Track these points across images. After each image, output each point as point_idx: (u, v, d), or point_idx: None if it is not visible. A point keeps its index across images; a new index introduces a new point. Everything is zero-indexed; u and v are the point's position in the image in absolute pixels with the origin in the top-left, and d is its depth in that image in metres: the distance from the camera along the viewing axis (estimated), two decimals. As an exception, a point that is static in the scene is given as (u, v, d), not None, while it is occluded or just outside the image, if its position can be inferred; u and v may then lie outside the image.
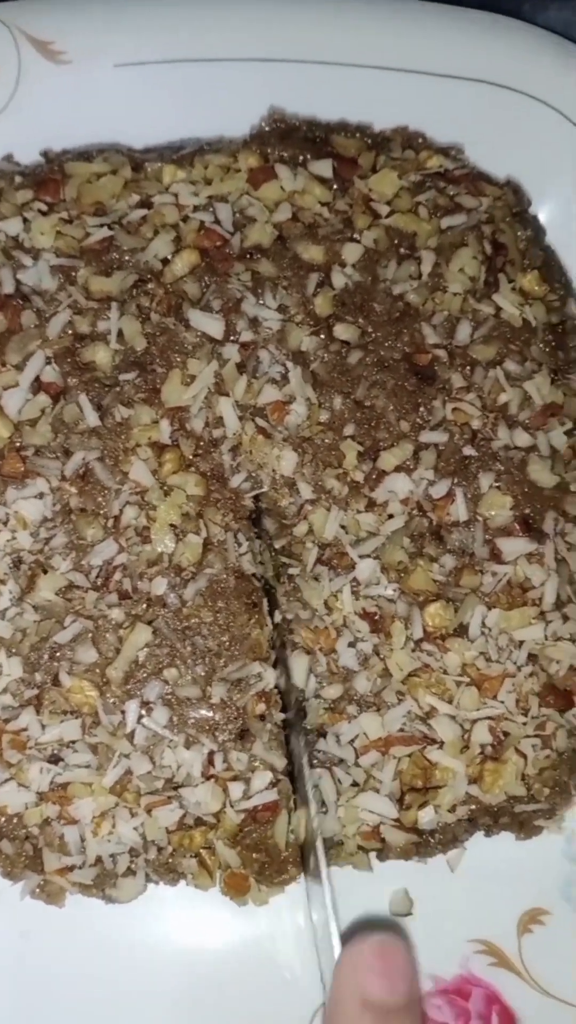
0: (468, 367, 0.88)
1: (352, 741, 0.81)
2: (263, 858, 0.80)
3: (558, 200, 0.99)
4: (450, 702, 0.82)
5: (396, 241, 0.90)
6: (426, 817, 0.81)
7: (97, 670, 0.79)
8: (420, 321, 0.88)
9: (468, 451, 0.87)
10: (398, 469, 0.85)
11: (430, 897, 0.85)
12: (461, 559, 0.85)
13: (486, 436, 0.87)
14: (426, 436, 0.86)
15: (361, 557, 0.83)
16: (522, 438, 0.88)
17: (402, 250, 0.90)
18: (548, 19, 1.10)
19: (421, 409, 0.87)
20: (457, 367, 0.88)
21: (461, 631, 0.83)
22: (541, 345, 0.90)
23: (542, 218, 0.98)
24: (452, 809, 0.82)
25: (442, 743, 0.81)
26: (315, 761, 0.82)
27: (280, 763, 0.80)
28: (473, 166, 0.98)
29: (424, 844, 0.82)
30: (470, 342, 0.88)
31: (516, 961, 0.84)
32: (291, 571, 0.84)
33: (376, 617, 0.83)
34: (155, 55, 0.99)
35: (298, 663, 0.82)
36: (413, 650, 0.82)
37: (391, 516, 0.85)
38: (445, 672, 0.82)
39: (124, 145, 0.97)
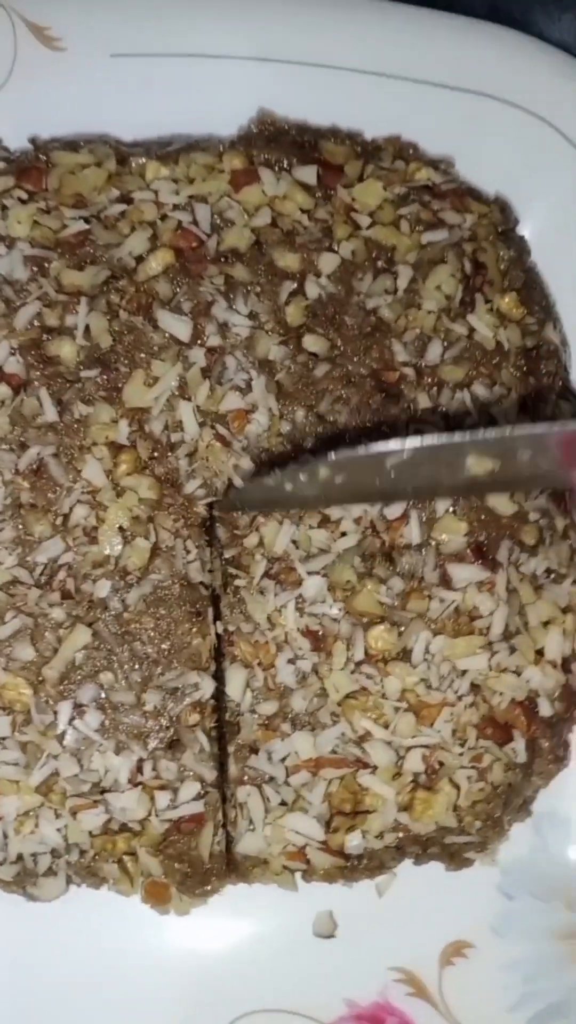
0: (435, 388, 0.87)
1: (284, 760, 0.81)
2: (185, 868, 0.79)
3: (546, 220, 0.97)
4: (386, 727, 0.81)
5: (374, 254, 0.89)
6: (353, 842, 0.80)
7: (33, 668, 0.79)
8: (391, 337, 0.87)
9: (427, 472, 0.85)
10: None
11: (355, 920, 0.85)
12: (410, 583, 0.84)
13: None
14: (386, 455, 0.85)
15: (309, 574, 0.82)
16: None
17: (379, 263, 0.89)
18: (561, 30, 1.08)
19: (383, 428, 0.85)
20: (424, 387, 0.87)
21: (404, 656, 0.82)
22: (512, 369, 0.89)
23: (528, 237, 0.96)
24: (380, 836, 0.81)
25: (375, 768, 0.80)
26: (245, 778, 0.81)
27: (209, 775, 0.80)
28: (462, 181, 0.96)
29: (350, 868, 0.81)
30: (440, 362, 0.87)
31: (435, 992, 0.84)
32: (237, 583, 0.83)
33: (319, 635, 0.82)
34: (152, 47, 0.98)
35: (235, 676, 0.82)
36: (352, 672, 0.81)
37: (344, 534, 0.84)
38: (384, 696, 0.82)
39: (113, 137, 0.96)
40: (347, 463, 0.76)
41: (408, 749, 0.82)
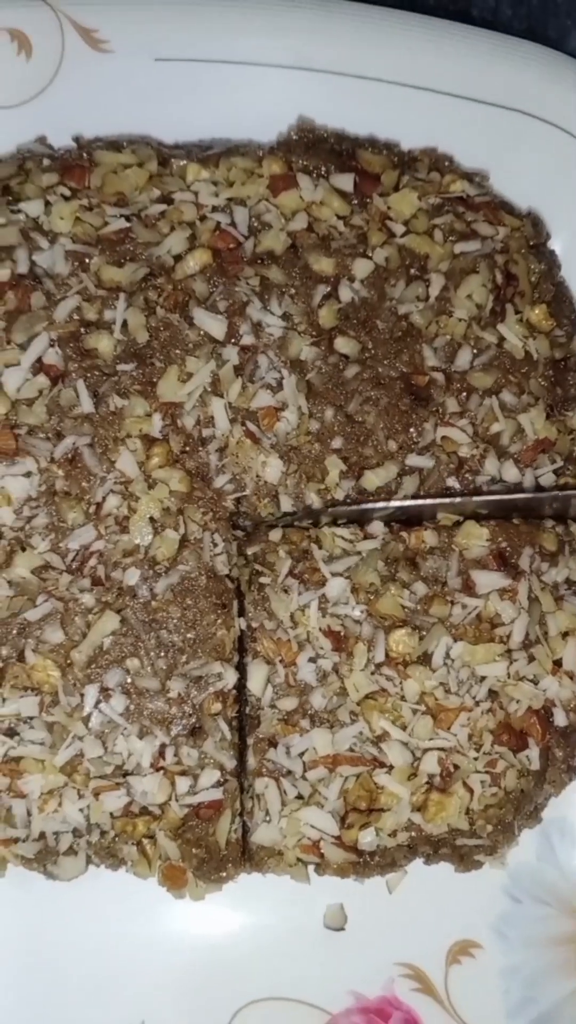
0: (464, 393, 0.88)
1: (302, 755, 0.82)
2: (202, 854, 0.81)
3: (577, 235, 0.99)
4: (403, 728, 0.82)
5: (407, 261, 0.91)
6: (366, 839, 0.82)
7: (62, 651, 0.81)
8: (421, 343, 0.89)
9: (451, 482, 0.87)
10: (378, 492, 0.86)
11: (365, 914, 0.86)
12: (433, 587, 0.85)
13: (473, 468, 0.88)
14: (412, 460, 0.87)
15: (333, 575, 0.84)
16: (510, 472, 0.88)
17: (412, 271, 0.91)
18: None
19: (411, 430, 0.87)
20: (453, 392, 0.88)
21: (424, 660, 0.83)
22: (540, 379, 0.90)
23: (559, 252, 0.97)
24: (393, 834, 0.83)
25: (391, 768, 0.82)
26: (263, 770, 0.82)
27: (229, 763, 0.81)
28: (496, 194, 0.98)
29: (363, 865, 0.82)
30: (469, 368, 0.89)
31: (440, 989, 0.85)
32: (262, 580, 0.85)
33: (340, 636, 0.83)
34: (195, 53, 1.00)
35: (257, 672, 0.83)
36: (372, 673, 0.83)
37: (367, 536, 0.85)
38: (403, 698, 0.83)
39: (155, 139, 0.98)
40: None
41: (424, 751, 0.83)
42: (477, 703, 0.84)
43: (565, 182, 0.99)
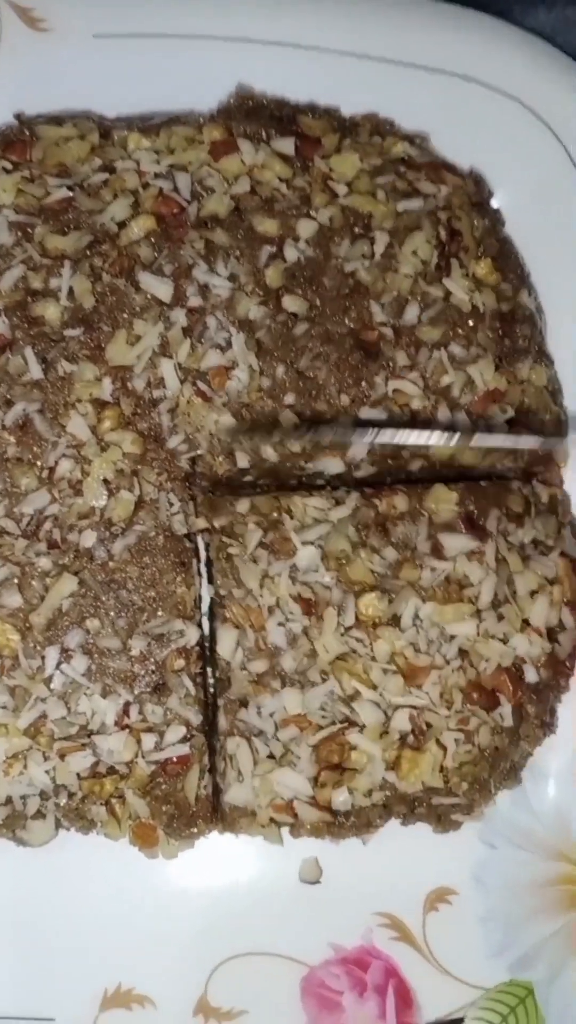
0: (413, 347, 0.89)
1: (273, 715, 0.82)
2: (172, 810, 0.80)
3: (520, 194, 1.00)
4: (374, 688, 0.82)
5: (351, 220, 0.91)
6: (340, 798, 0.81)
7: (21, 615, 0.80)
8: (369, 299, 0.89)
9: (406, 434, 0.87)
10: (334, 445, 0.86)
11: (340, 866, 0.86)
12: (403, 552, 0.85)
13: (425, 419, 0.88)
14: (365, 413, 0.87)
15: (304, 544, 0.84)
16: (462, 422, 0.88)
17: (356, 230, 0.91)
18: (538, 22, 1.11)
19: (363, 384, 0.88)
20: (402, 346, 0.89)
21: (393, 621, 0.84)
22: (488, 332, 0.91)
23: (501, 209, 0.99)
24: (368, 794, 0.82)
25: (362, 727, 0.82)
26: (235, 730, 0.82)
27: (195, 718, 0.81)
28: (436, 154, 0.99)
29: (337, 825, 0.82)
30: (417, 322, 0.89)
31: (419, 937, 0.85)
32: (231, 551, 0.85)
33: (311, 601, 0.83)
34: (133, 28, 1.00)
35: (226, 636, 0.83)
36: (343, 635, 0.83)
37: (338, 503, 0.86)
38: (373, 659, 0.83)
39: (97, 114, 0.98)
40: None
41: (395, 709, 0.83)
42: (448, 661, 0.84)
43: (505, 142, 1.00)
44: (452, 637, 0.85)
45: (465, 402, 0.89)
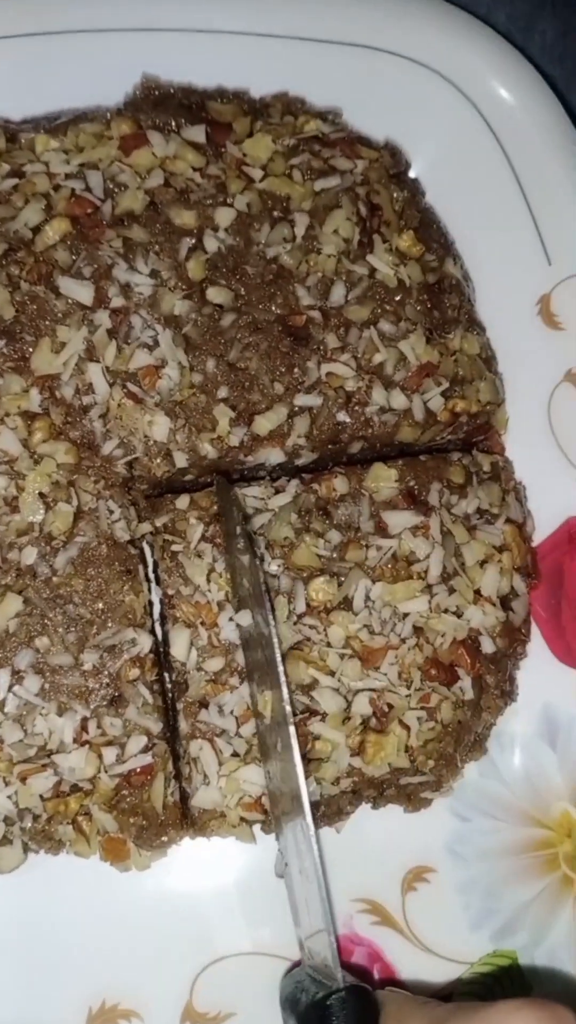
0: (342, 328, 0.88)
1: (233, 711, 0.81)
2: (140, 822, 0.80)
3: (438, 161, 0.99)
4: (332, 675, 0.82)
5: (270, 204, 0.90)
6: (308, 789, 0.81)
7: (-34, 640, 0.79)
8: (294, 283, 0.88)
9: (342, 417, 0.87)
10: (272, 436, 0.85)
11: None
12: (347, 534, 0.85)
13: (361, 400, 0.88)
14: (300, 399, 0.86)
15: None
16: (398, 400, 0.88)
17: (275, 213, 0.90)
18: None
19: (296, 370, 0.87)
20: (332, 328, 0.88)
21: (345, 605, 0.83)
22: (416, 305, 0.90)
23: (421, 178, 0.98)
24: (336, 781, 0.82)
25: (324, 715, 0.81)
26: (196, 732, 0.82)
27: (155, 727, 0.80)
28: (351, 130, 0.97)
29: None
30: (344, 303, 0.88)
31: (399, 919, 0.85)
32: (174, 548, 0.84)
33: None
34: (32, 27, 0.98)
35: (179, 637, 0.82)
36: (295, 623, 0.82)
37: (277, 491, 0.85)
38: (328, 645, 0.82)
39: (1, 118, 0.96)
40: None
41: (355, 693, 0.82)
42: (403, 640, 0.84)
43: (419, 110, 0.99)
44: (405, 615, 0.85)
45: (399, 379, 0.89)
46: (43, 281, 0.86)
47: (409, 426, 0.88)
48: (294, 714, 0.81)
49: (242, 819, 0.82)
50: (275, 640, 0.78)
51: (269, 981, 0.81)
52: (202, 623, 0.83)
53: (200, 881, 0.85)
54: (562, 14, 1.13)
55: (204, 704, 0.82)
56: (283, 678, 0.78)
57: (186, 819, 0.83)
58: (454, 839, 0.88)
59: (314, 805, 0.83)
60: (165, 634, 0.85)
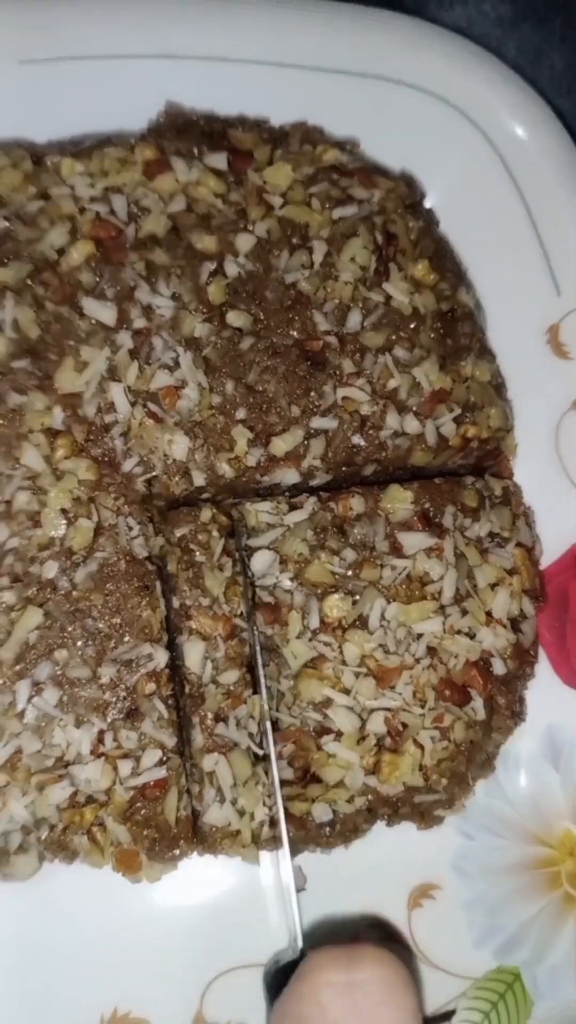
0: (358, 353, 0.90)
1: (248, 725, 0.83)
2: (153, 834, 0.81)
3: (452, 191, 1.01)
4: (347, 693, 0.83)
5: (288, 232, 0.92)
6: (319, 810, 0.83)
7: (-12, 651, 0.80)
8: (311, 309, 0.90)
9: (357, 440, 0.89)
10: (288, 457, 0.87)
11: (323, 873, 0.87)
12: (362, 553, 0.86)
13: (375, 424, 0.90)
14: (316, 422, 0.88)
15: (257, 548, 0.85)
16: (411, 424, 0.90)
17: (294, 240, 0.92)
18: (454, 17, 1.13)
19: (312, 394, 0.89)
20: (348, 353, 0.90)
21: (360, 623, 0.85)
22: (430, 333, 0.92)
23: (435, 208, 1.00)
24: (351, 800, 0.84)
25: (339, 734, 0.83)
26: (212, 745, 0.83)
27: (170, 741, 0.81)
28: (367, 159, 1.00)
29: (324, 836, 0.84)
30: (360, 329, 0.91)
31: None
32: (195, 558, 0.86)
33: (272, 606, 0.84)
34: (59, 52, 1.00)
35: (193, 649, 0.84)
36: (310, 639, 0.84)
37: (293, 508, 0.87)
38: (343, 663, 0.84)
39: (27, 140, 0.98)
40: None
41: (370, 712, 0.84)
42: (417, 660, 0.86)
43: (434, 142, 1.01)
44: (419, 636, 0.86)
45: (413, 404, 0.91)
46: (67, 302, 0.88)
47: (422, 450, 0.90)
48: (309, 731, 0.83)
49: (254, 836, 0.83)
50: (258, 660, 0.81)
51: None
52: (219, 635, 0.85)
53: (211, 892, 0.86)
54: (571, 46, 1.16)
55: (221, 718, 0.84)
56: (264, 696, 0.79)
57: (196, 835, 0.84)
58: (459, 857, 0.89)
59: (329, 824, 0.84)
60: (177, 646, 0.87)
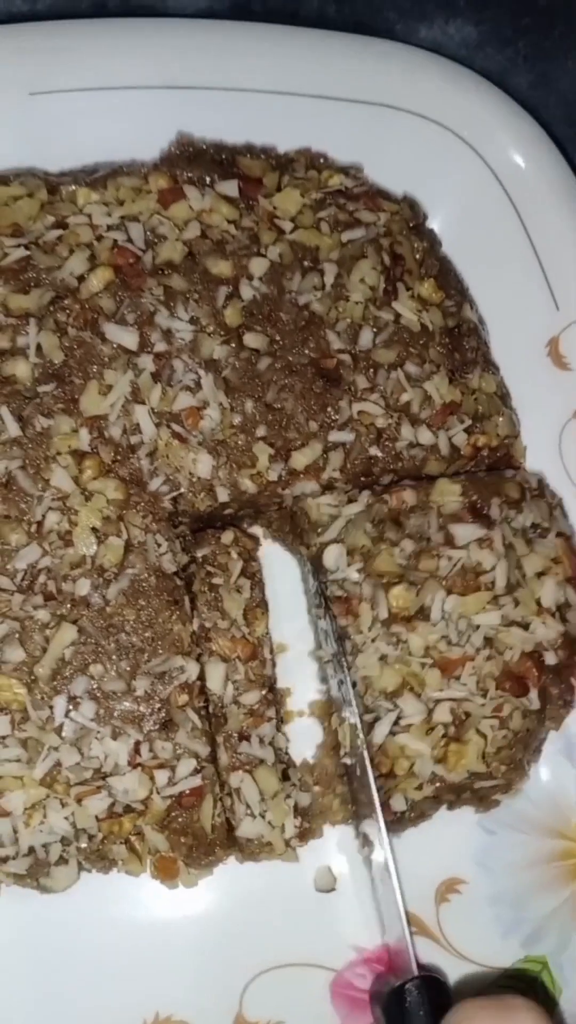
0: (371, 370, 0.94)
1: (272, 741, 0.86)
2: (190, 841, 0.83)
3: (453, 212, 1.05)
4: (420, 683, 0.86)
5: (300, 255, 0.96)
6: (396, 801, 0.86)
7: (25, 668, 0.83)
8: (325, 328, 0.94)
9: (374, 451, 0.92)
10: (308, 470, 0.90)
11: (351, 871, 0.90)
12: (419, 543, 0.89)
13: (391, 436, 0.93)
14: (334, 436, 0.92)
15: (325, 543, 0.88)
16: (425, 436, 0.93)
17: (306, 263, 0.96)
18: (420, 40, 1.17)
19: (328, 409, 0.92)
20: (361, 370, 0.93)
21: (421, 615, 0.88)
22: (439, 348, 0.96)
23: (437, 229, 1.04)
24: (420, 787, 0.87)
25: (409, 726, 0.86)
26: (236, 763, 0.86)
27: (203, 750, 0.84)
28: (372, 183, 1.03)
29: (397, 820, 0.87)
30: (372, 346, 0.94)
31: (435, 929, 0.89)
32: (214, 580, 0.88)
33: (343, 599, 0.87)
34: (69, 84, 1.03)
35: (214, 671, 0.86)
36: (381, 630, 0.86)
37: (351, 501, 0.90)
38: (410, 654, 0.87)
39: (40, 169, 1.01)
40: None
41: (436, 703, 0.87)
42: (477, 651, 0.88)
43: (434, 166, 1.05)
44: (477, 627, 0.89)
45: (425, 416, 0.94)
46: (89, 327, 0.90)
47: (436, 460, 0.93)
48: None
49: (288, 844, 0.86)
50: (355, 708, 0.85)
51: (315, 990, 0.85)
52: (238, 657, 0.87)
53: (244, 896, 0.89)
54: (534, 67, 1.20)
55: (244, 736, 0.87)
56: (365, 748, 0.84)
57: (231, 840, 0.86)
58: (482, 852, 0.92)
59: (401, 813, 0.87)
60: (201, 665, 0.89)
